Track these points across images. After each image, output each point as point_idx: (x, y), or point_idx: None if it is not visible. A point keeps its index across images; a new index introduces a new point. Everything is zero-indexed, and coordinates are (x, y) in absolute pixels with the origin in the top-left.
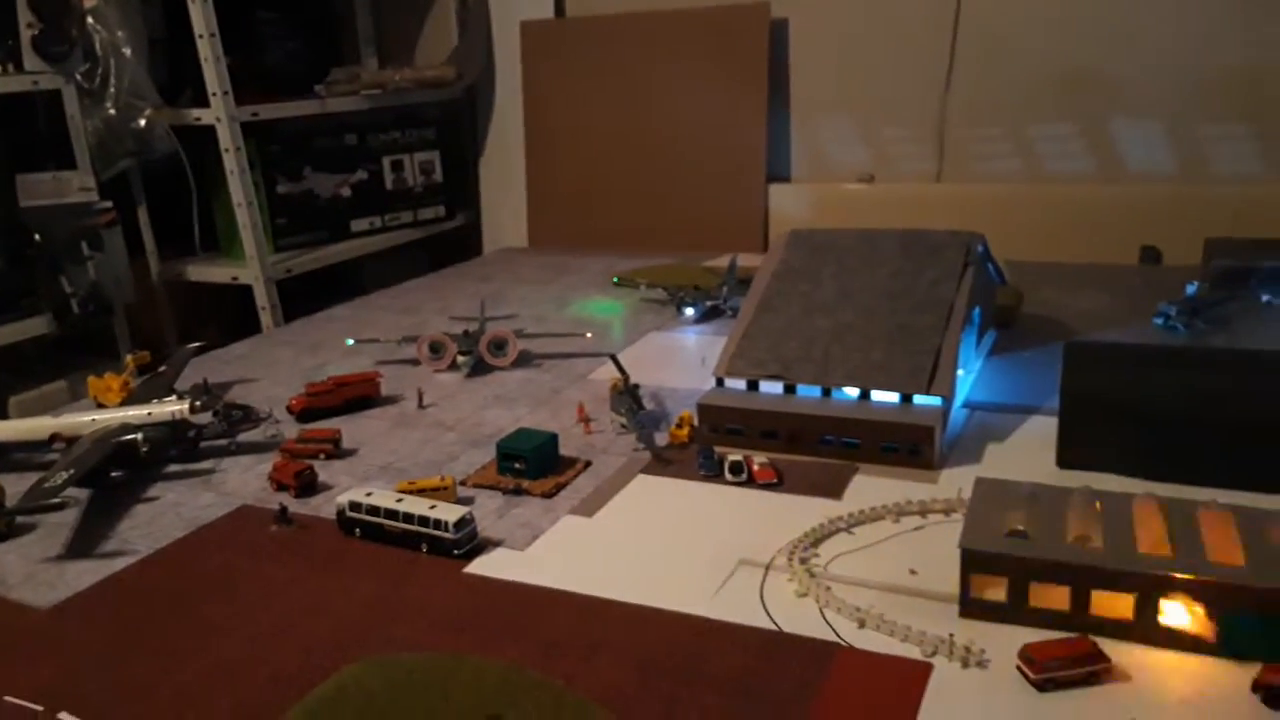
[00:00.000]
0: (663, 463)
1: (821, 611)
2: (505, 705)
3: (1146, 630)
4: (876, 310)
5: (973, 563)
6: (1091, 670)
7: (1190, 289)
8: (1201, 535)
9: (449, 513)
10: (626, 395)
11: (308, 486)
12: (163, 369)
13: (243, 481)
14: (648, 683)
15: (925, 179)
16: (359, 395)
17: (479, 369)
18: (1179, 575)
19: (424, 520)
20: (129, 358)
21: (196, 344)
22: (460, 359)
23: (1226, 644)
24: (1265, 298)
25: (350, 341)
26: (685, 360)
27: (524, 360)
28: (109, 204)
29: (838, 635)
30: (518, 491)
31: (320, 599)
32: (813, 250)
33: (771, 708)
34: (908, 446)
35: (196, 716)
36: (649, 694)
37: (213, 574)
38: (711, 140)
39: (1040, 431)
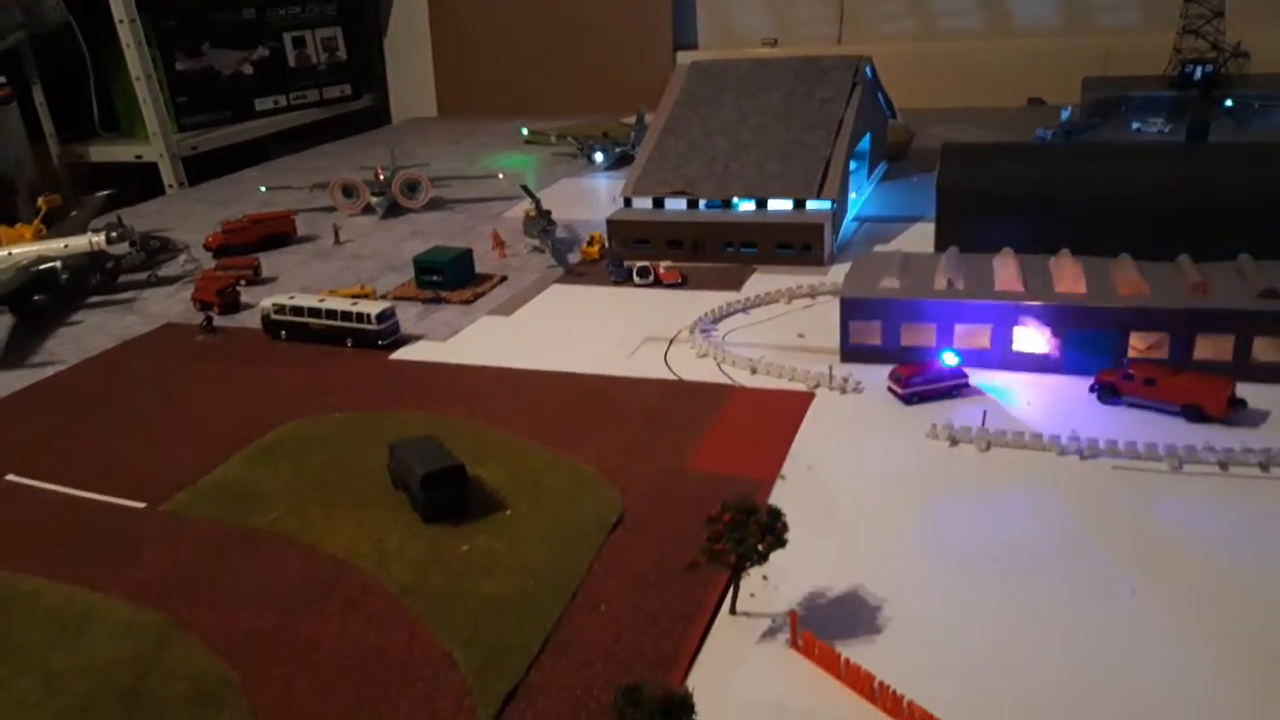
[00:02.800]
0: (575, 275)
1: (719, 366)
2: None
3: (1004, 356)
4: (771, 129)
5: (851, 311)
6: (953, 385)
7: (1065, 114)
8: (1051, 277)
9: (371, 306)
10: (540, 218)
11: (231, 304)
12: (74, 214)
13: (165, 306)
14: (568, 419)
15: (827, 41)
16: (275, 233)
17: (393, 210)
18: (1029, 302)
19: (347, 315)
20: (40, 200)
21: (107, 191)
22: (374, 200)
23: (1069, 359)
24: (1135, 125)
25: (263, 189)
26: (596, 199)
27: (437, 204)
28: (1, 79)
29: (732, 380)
30: (437, 301)
31: (252, 385)
32: (712, 78)
33: (677, 429)
34: (800, 244)
35: (136, 474)
36: (570, 427)
37: (144, 375)
38: (618, 8)
39: (922, 234)
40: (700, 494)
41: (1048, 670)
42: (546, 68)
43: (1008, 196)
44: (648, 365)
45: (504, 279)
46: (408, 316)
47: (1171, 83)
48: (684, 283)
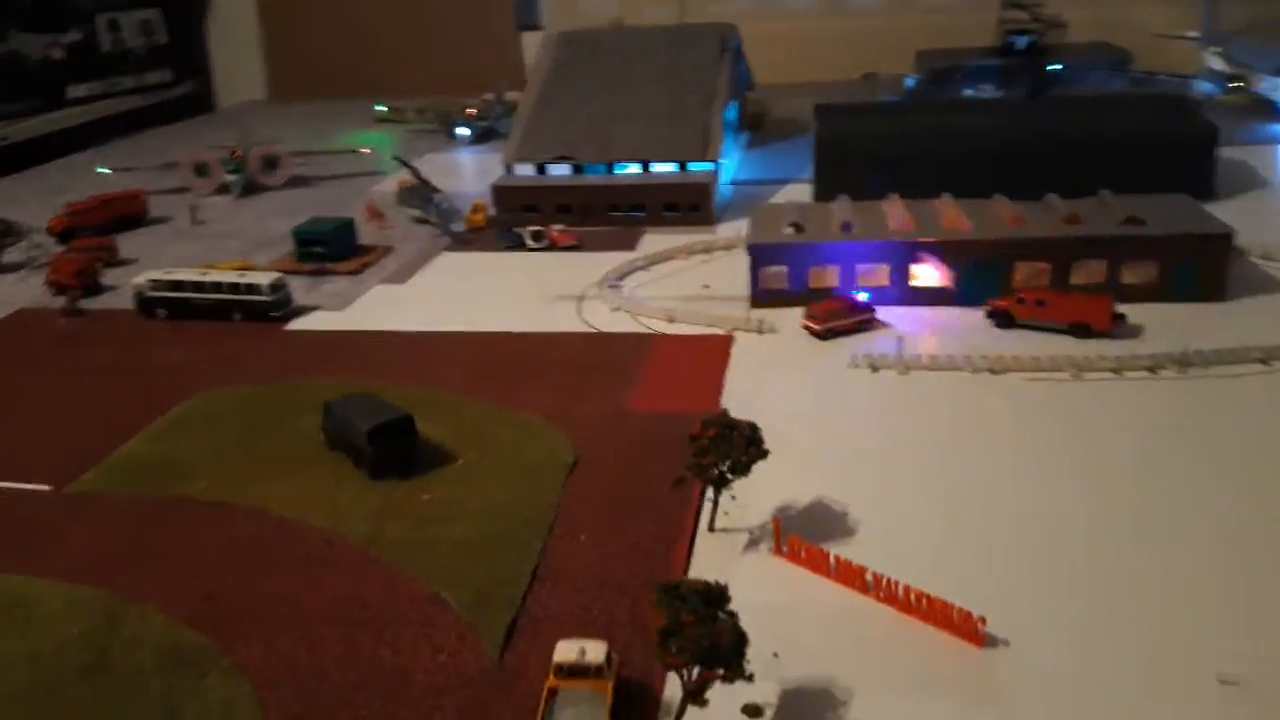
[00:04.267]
0: (463, 243)
1: (635, 318)
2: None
3: (903, 291)
4: (648, 94)
5: (760, 257)
6: (862, 319)
7: (909, 82)
8: (937, 217)
9: (262, 277)
10: (420, 187)
11: (92, 286)
12: None
13: (14, 291)
14: (496, 375)
15: (669, 21)
16: (126, 214)
17: (250, 189)
18: (924, 239)
19: (235, 287)
20: None
21: None
22: (229, 179)
23: (964, 291)
24: (968, 91)
25: (105, 170)
26: (468, 172)
27: (297, 182)
28: None
29: (651, 330)
30: (322, 273)
31: (137, 365)
32: (583, 47)
33: (609, 376)
34: (689, 204)
35: (32, 459)
36: (500, 382)
37: (15, 361)
38: None
39: (797, 193)
40: (648, 432)
41: (993, 545)
42: (386, 51)
43: (880, 150)
44: (563, 321)
45: (390, 250)
46: (295, 288)
47: (998, 52)
48: (579, 246)
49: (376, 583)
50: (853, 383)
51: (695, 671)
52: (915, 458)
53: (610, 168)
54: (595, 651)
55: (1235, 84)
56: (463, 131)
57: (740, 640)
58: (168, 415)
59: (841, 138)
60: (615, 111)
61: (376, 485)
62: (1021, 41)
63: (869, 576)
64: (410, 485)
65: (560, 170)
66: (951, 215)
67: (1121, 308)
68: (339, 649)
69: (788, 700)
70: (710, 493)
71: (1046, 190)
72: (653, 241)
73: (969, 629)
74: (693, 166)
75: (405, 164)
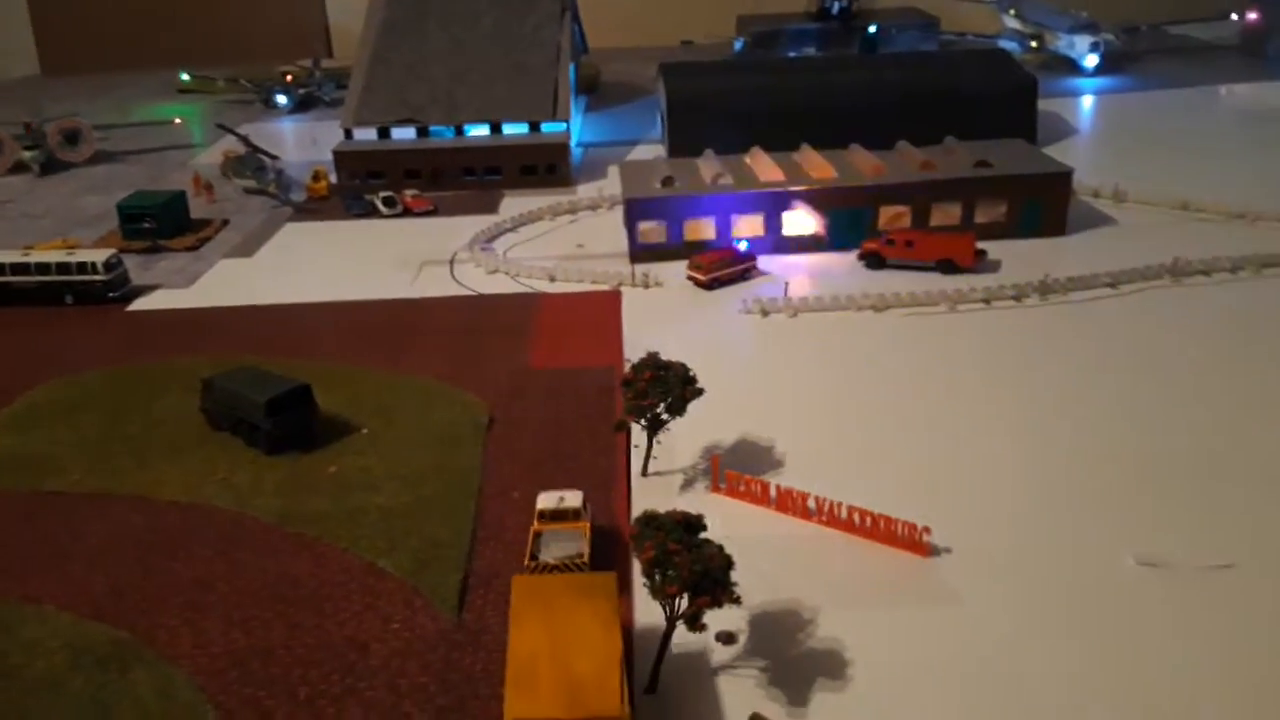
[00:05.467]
0: (307, 212)
1: (515, 279)
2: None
3: (777, 240)
4: (490, 53)
5: (637, 212)
6: (744, 268)
7: (737, 45)
8: (803, 166)
9: (95, 255)
10: (250, 156)
11: None
12: None
13: None
14: (381, 342)
15: None
16: None
17: (52, 166)
18: (797, 188)
19: (65, 267)
20: None
21: None
22: (26, 155)
23: (833, 237)
24: (791, 53)
25: None
26: (294, 141)
27: (102, 158)
28: None
29: (534, 289)
30: (155, 250)
31: None
32: (413, 6)
33: (502, 337)
34: (545, 165)
35: None
36: (387, 348)
37: None
38: None
39: (647, 153)
40: (556, 387)
41: (916, 462)
42: (175, 17)
43: (734, 105)
44: (437, 286)
45: (226, 223)
46: (128, 268)
47: (815, 16)
48: (434, 211)
49: (304, 559)
50: (747, 327)
51: (684, 600)
52: (824, 391)
53: (459, 130)
54: (573, 498)
55: (1033, 42)
56: (281, 99)
57: (728, 563)
58: (11, 409)
59: (694, 95)
60: (458, 72)
61: (276, 461)
62: (836, 5)
63: (811, 502)
64: (312, 458)
65: (404, 134)
66: (816, 165)
67: (980, 244)
68: (279, 629)
69: (756, 625)
70: (642, 438)
71: (893, 140)
72: (513, 204)
73: (914, 541)
74: (545, 127)
75: (233, 132)
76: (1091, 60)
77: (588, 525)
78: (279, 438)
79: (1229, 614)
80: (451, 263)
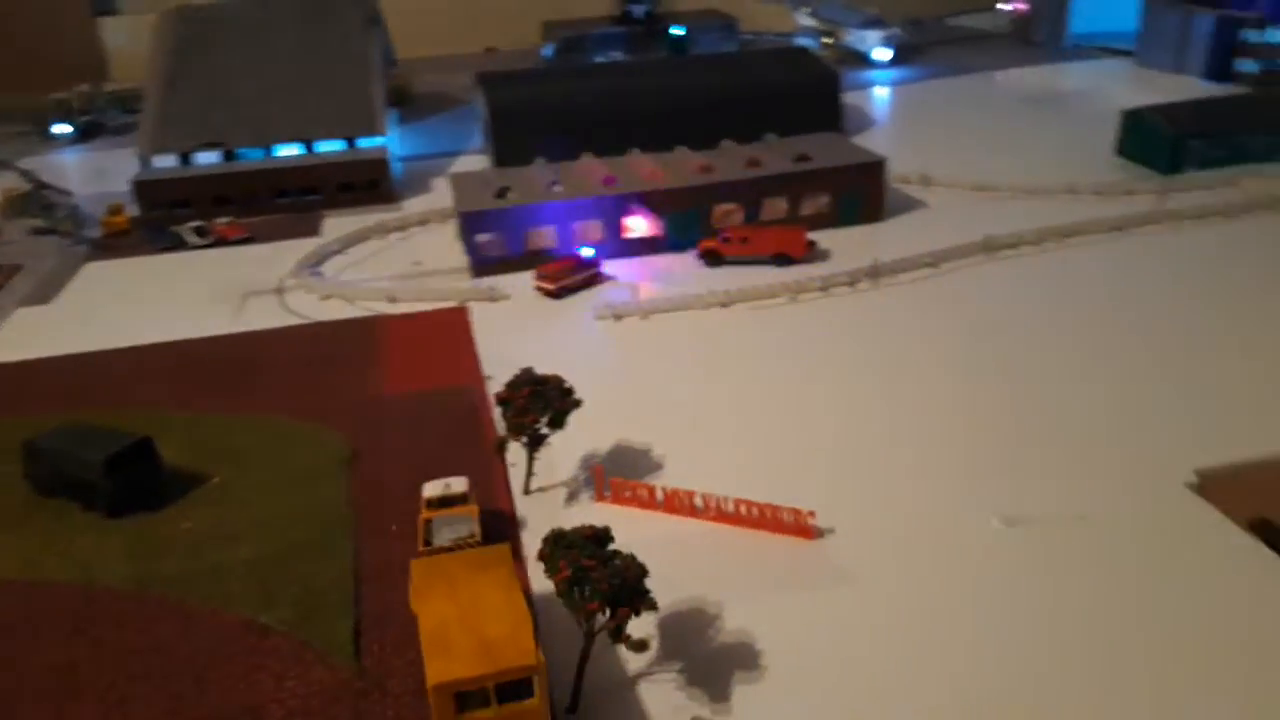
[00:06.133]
0: (106, 250)
1: (352, 303)
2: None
3: (618, 244)
4: (297, 70)
5: (473, 225)
6: (591, 275)
7: (546, 52)
8: (635, 170)
9: None
10: (38, 194)
11: None
12: None
13: None
14: (215, 382)
15: None
16: None
17: None
18: (634, 191)
19: None
20: None
21: None
22: None
23: (671, 237)
24: (599, 58)
25: None
26: (81, 173)
27: None
28: None
29: (375, 312)
30: None
31: None
32: (203, 25)
33: (348, 365)
34: (366, 182)
35: None
36: (224, 389)
37: None
38: None
39: (470, 163)
40: (418, 411)
41: (789, 448)
42: None
43: (554, 112)
44: (267, 317)
45: (18, 268)
46: None
47: (618, 20)
48: (251, 238)
49: (171, 625)
50: (604, 333)
51: (604, 614)
52: (690, 388)
53: (269, 150)
54: (458, 484)
55: (828, 39)
56: (62, 129)
57: (643, 572)
58: None
59: (516, 104)
60: (263, 90)
61: (120, 523)
62: (639, 9)
63: (698, 500)
64: (161, 516)
65: (209, 158)
66: (647, 168)
67: (809, 235)
68: (161, 704)
69: (666, 628)
70: (518, 456)
71: (713, 139)
72: (336, 225)
73: (801, 526)
74: (362, 142)
75: (15, 169)
76: (882, 53)
77: (476, 509)
78: (121, 498)
79: (1086, 562)
80: (279, 291)
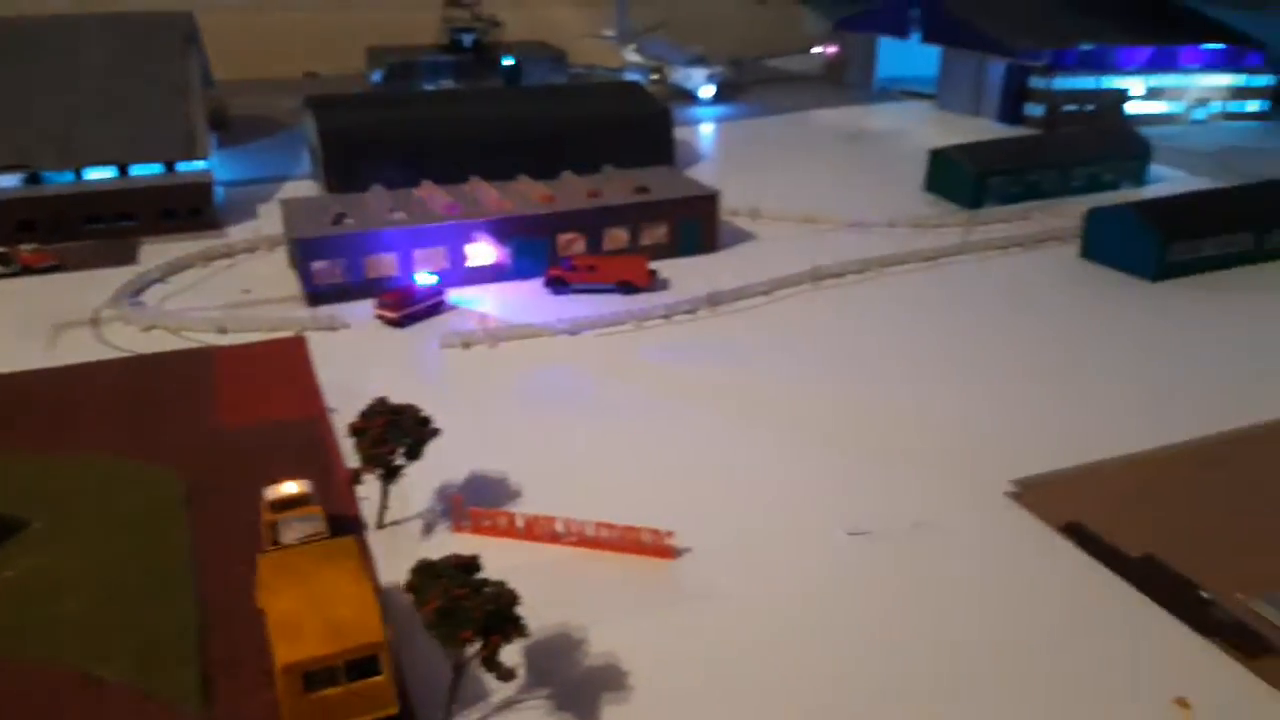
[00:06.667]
0: None
1: (178, 334)
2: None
3: (461, 272)
4: (109, 89)
5: (309, 251)
6: (435, 302)
7: (375, 78)
8: (478, 197)
9: None
10: None
11: None
12: None
13: None
14: (24, 424)
15: (64, 8)
16: None
17: None
18: (478, 218)
19: None
20: None
21: None
22: None
23: (516, 265)
24: (428, 85)
25: None
26: None
27: None
28: None
29: (204, 343)
30: None
31: None
32: (3, 40)
33: (176, 400)
34: (188, 208)
35: None
36: (38, 429)
37: None
38: None
39: (296, 189)
40: (257, 445)
41: (644, 470)
42: None
43: (391, 139)
44: (82, 350)
45: None
46: None
47: (447, 49)
48: (60, 266)
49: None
50: (452, 361)
51: (475, 644)
52: (543, 415)
53: (78, 174)
54: (301, 485)
55: (655, 75)
56: None
57: (515, 598)
58: None
59: (350, 129)
60: (72, 110)
61: None
62: (468, 38)
63: (559, 525)
64: None
65: (10, 181)
66: (491, 196)
67: (650, 265)
68: None
69: (532, 655)
70: (369, 489)
71: (551, 169)
72: (155, 252)
73: (660, 546)
74: (182, 166)
75: None
76: (707, 91)
77: (321, 509)
78: None
79: (923, 565)
80: (95, 323)
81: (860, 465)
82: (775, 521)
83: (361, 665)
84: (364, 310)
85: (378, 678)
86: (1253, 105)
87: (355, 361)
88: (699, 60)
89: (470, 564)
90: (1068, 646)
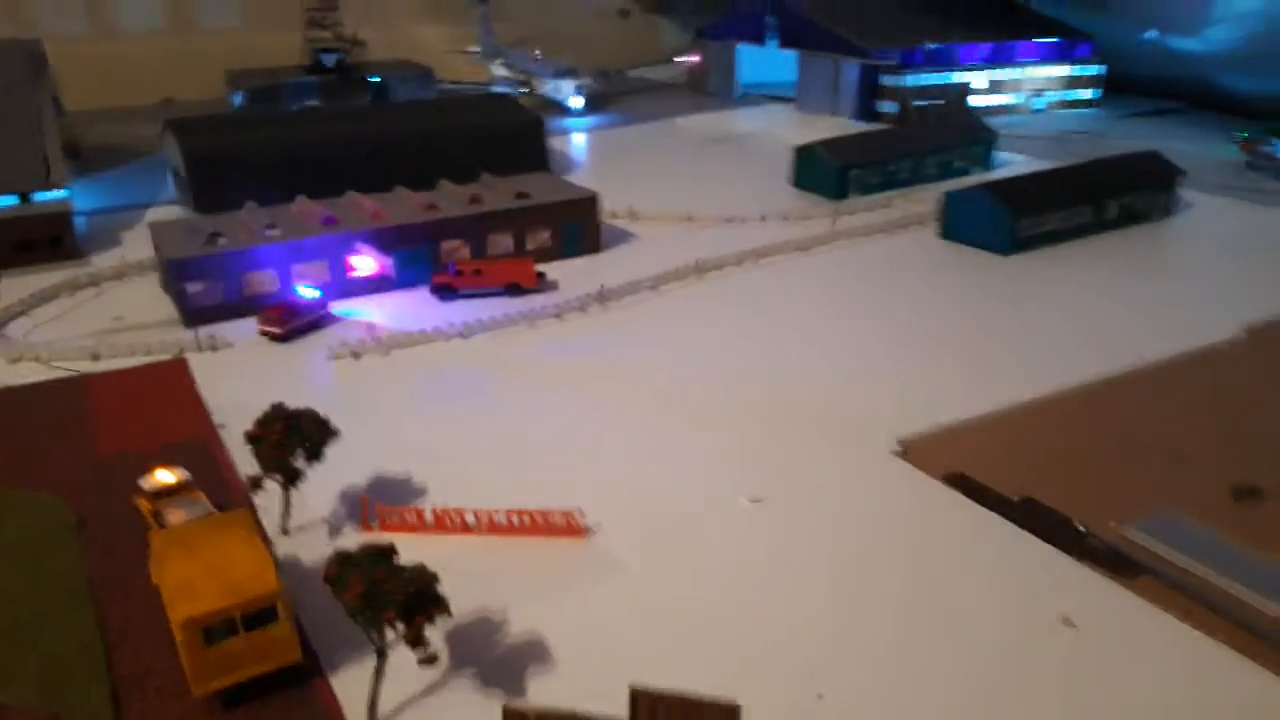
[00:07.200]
0: None
1: (49, 365)
2: None
3: (344, 285)
4: None
5: (184, 273)
6: (319, 315)
7: (237, 100)
8: (356, 209)
9: None
10: None
11: None
12: None
13: None
14: None
15: None
16: None
17: None
18: (358, 230)
19: None
20: None
21: None
22: None
23: (400, 274)
24: (294, 106)
25: None
26: None
27: None
28: None
29: (77, 371)
30: None
31: None
32: None
33: (53, 430)
34: (47, 238)
35: None
36: None
37: None
38: None
39: (162, 215)
40: (145, 469)
41: (546, 455)
42: None
43: (259, 156)
44: None
45: None
46: None
47: (310, 70)
48: None
49: None
50: (344, 372)
51: (399, 627)
52: (444, 415)
53: None
54: (176, 472)
55: (524, 88)
56: None
57: (435, 578)
58: None
59: (216, 149)
60: None
61: None
62: (330, 59)
63: (469, 517)
64: None
65: None
66: (369, 207)
67: (537, 267)
68: None
69: (454, 642)
70: (268, 498)
71: (429, 180)
72: (14, 285)
73: (571, 526)
74: (39, 196)
75: None
76: (577, 101)
77: (201, 494)
78: None
79: (822, 525)
80: None
81: (755, 438)
82: (680, 495)
83: (260, 615)
84: (247, 328)
85: (277, 626)
86: (1085, 93)
87: (243, 379)
88: (568, 72)
89: (387, 551)
90: (961, 584)
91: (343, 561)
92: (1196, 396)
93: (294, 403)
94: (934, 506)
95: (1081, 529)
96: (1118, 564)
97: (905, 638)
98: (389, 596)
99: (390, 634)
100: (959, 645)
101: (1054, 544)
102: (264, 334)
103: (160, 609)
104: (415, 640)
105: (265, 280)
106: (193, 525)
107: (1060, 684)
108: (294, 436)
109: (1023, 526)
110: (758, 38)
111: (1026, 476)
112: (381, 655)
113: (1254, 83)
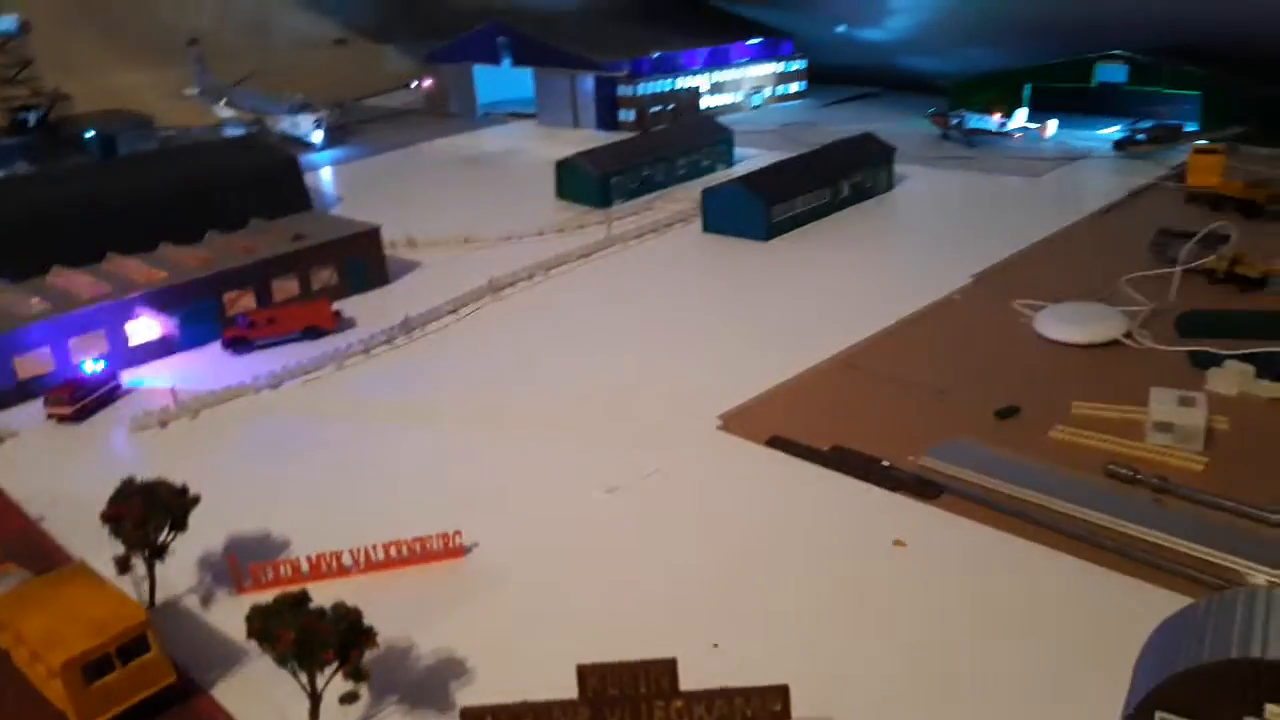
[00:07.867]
0: None
1: None
2: None
3: (126, 353)
4: None
5: None
6: (110, 389)
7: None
8: (126, 273)
9: None
10: None
11: None
12: None
13: None
14: None
15: None
16: None
17: None
18: (134, 294)
19: None
20: None
21: None
22: None
23: (185, 334)
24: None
25: None
26: None
27: None
28: None
29: None
30: None
31: None
32: None
33: None
34: None
35: None
36: None
37: None
38: None
39: None
40: None
41: (404, 488)
42: None
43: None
44: None
45: None
46: None
47: (10, 131)
48: None
49: None
50: (152, 443)
51: (331, 669)
52: (276, 467)
53: None
54: None
55: (255, 128)
56: None
57: (359, 613)
58: None
59: None
60: None
61: None
62: (31, 117)
63: (346, 558)
64: None
65: None
66: (140, 269)
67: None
68: None
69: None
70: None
71: (190, 235)
72: None
73: (450, 549)
74: None
75: None
76: (317, 136)
77: (12, 563)
78: None
79: (670, 503)
80: None
81: (592, 436)
82: (541, 497)
83: (132, 647)
84: (32, 413)
85: (150, 654)
86: (794, 86)
87: (44, 468)
88: (303, 106)
89: (301, 597)
90: (793, 528)
91: (264, 615)
92: (946, 339)
93: (107, 482)
94: (762, 467)
95: (886, 464)
96: (923, 489)
97: (768, 583)
98: (322, 638)
99: (320, 677)
100: (815, 580)
101: (867, 480)
102: (52, 416)
103: (15, 672)
104: (356, 673)
105: (39, 360)
106: (29, 586)
107: (905, 594)
108: (155, 510)
109: (839, 470)
110: (492, 58)
111: (831, 429)
112: (315, 699)
113: (932, 63)
